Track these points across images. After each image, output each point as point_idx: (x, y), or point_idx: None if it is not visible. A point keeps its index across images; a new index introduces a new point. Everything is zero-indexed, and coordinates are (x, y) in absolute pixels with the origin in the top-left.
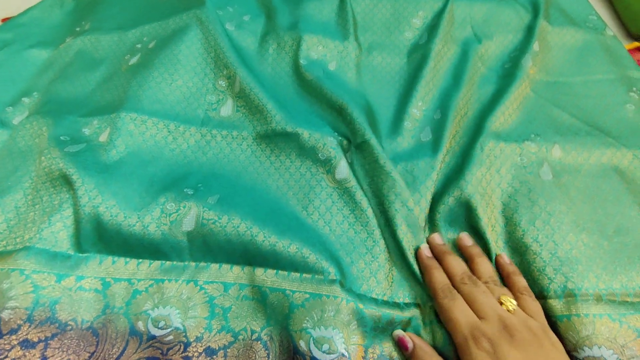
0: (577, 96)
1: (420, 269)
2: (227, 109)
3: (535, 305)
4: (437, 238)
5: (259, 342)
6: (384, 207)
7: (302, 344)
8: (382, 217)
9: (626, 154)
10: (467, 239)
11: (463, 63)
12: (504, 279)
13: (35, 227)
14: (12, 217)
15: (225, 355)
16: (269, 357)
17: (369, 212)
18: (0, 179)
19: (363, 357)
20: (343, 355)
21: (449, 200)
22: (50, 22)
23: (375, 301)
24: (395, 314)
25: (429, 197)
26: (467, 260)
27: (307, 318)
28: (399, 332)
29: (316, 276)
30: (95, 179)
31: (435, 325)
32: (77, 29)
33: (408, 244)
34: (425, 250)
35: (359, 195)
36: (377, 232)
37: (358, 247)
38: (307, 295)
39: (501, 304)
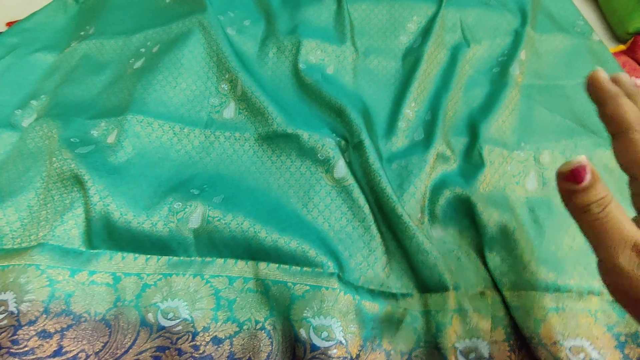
0: (569, 99)
1: (599, 100)
2: (229, 111)
3: None
4: (624, 76)
5: (263, 331)
6: (380, 202)
7: (302, 332)
8: (379, 212)
9: None
10: None
11: (452, 66)
12: None
13: (48, 225)
14: (25, 216)
15: (231, 344)
16: (272, 346)
17: (366, 208)
18: (12, 179)
19: (361, 346)
20: (341, 342)
21: (449, 196)
22: (55, 27)
23: (371, 292)
24: (391, 304)
25: (423, 189)
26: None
27: (307, 308)
28: (578, 159)
29: (316, 269)
30: (105, 180)
31: (430, 315)
32: (82, 33)
33: (407, 234)
34: (602, 73)
35: (357, 192)
36: (374, 227)
37: (356, 242)
38: (307, 287)
39: None
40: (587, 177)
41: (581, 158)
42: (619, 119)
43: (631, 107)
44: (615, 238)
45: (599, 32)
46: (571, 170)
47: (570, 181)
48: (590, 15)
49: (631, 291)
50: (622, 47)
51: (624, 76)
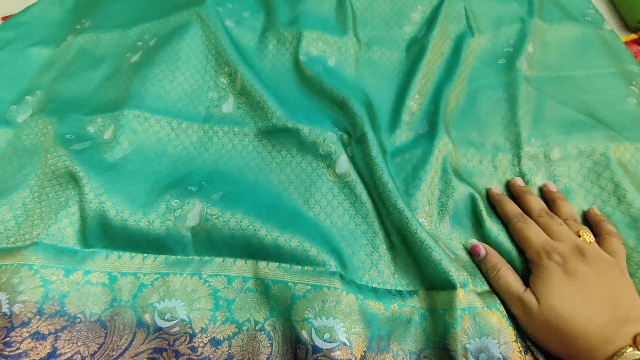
0: (580, 90)
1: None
2: (228, 105)
3: (617, 246)
4: (518, 180)
5: (263, 332)
6: (382, 198)
7: (304, 334)
8: (383, 207)
9: (629, 147)
10: (552, 186)
11: (456, 57)
12: (594, 226)
13: (42, 224)
14: (20, 214)
15: (229, 346)
16: (272, 347)
17: (369, 204)
18: (6, 177)
19: (366, 347)
20: (344, 344)
21: (456, 191)
22: (51, 20)
23: (375, 291)
24: (397, 302)
25: (429, 181)
26: (550, 204)
27: (308, 309)
28: (472, 241)
29: (317, 268)
30: (101, 177)
31: (437, 314)
32: (78, 26)
33: (409, 230)
34: (495, 188)
35: (359, 188)
36: (377, 224)
37: (359, 239)
38: (309, 287)
39: (579, 237)
40: (481, 252)
41: (472, 241)
42: (502, 214)
43: (510, 205)
44: (506, 293)
45: (609, 21)
46: (470, 248)
47: (473, 255)
48: (599, 3)
49: (526, 331)
50: (633, 36)
51: (514, 181)
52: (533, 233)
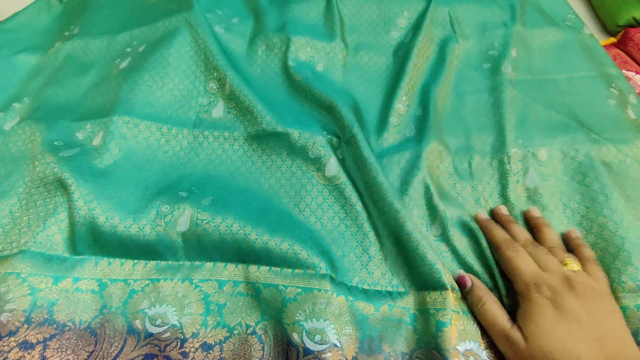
0: (563, 93)
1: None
2: (218, 110)
3: (600, 273)
4: (502, 209)
5: (254, 336)
6: (375, 198)
7: (295, 336)
8: (374, 208)
9: (611, 149)
10: (536, 211)
11: (441, 61)
12: (573, 251)
13: (30, 231)
14: (7, 222)
15: (221, 350)
16: (263, 350)
17: (359, 206)
18: None
19: (358, 348)
20: (335, 345)
21: (446, 193)
22: (38, 27)
23: (366, 293)
24: (387, 303)
25: (416, 184)
26: (534, 230)
27: (299, 311)
28: (459, 272)
29: (307, 271)
30: (91, 183)
31: (428, 314)
32: (66, 33)
33: (405, 230)
34: (482, 213)
35: (349, 190)
36: (367, 225)
37: (349, 241)
38: (299, 290)
39: (565, 265)
40: (468, 284)
41: (460, 271)
42: (491, 241)
43: (499, 231)
44: (492, 329)
45: (589, 25)
46: (457, 279)
47: (460, 286)
48: (579, 8)
49: None
50: (612, 39)
51: (498, 209)
52: (522, 262)
